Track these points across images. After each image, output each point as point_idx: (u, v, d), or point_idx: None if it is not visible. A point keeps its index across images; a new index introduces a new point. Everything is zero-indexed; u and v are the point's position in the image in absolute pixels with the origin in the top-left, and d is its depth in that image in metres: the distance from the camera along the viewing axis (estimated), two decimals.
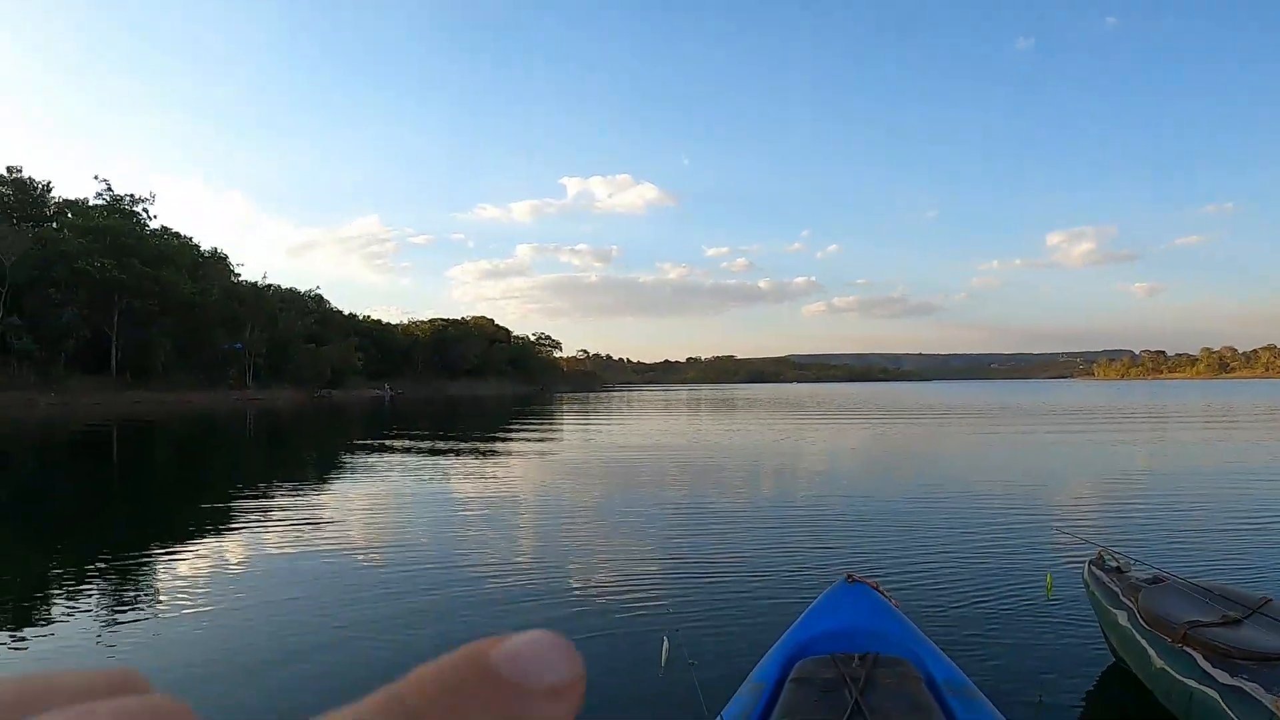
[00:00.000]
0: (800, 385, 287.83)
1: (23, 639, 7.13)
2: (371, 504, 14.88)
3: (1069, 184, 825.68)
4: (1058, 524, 11.52)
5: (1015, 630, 6.97)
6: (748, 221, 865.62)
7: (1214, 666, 4.50)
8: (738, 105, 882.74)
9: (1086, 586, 6.41)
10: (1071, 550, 8.78)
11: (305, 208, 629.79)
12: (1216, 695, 4.35)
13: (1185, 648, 4.78)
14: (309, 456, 27.66)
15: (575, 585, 9.02)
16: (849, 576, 5.00)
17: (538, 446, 29.52)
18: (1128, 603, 5.60)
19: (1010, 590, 8.20)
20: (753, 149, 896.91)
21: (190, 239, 77.69)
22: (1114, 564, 6.28)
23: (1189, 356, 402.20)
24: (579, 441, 32.02)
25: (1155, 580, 5.81)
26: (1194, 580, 5.63)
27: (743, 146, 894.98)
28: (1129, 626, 5.44)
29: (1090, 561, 6.52)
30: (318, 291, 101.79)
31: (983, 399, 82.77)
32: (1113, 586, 5.92)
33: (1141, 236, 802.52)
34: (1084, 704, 5.61)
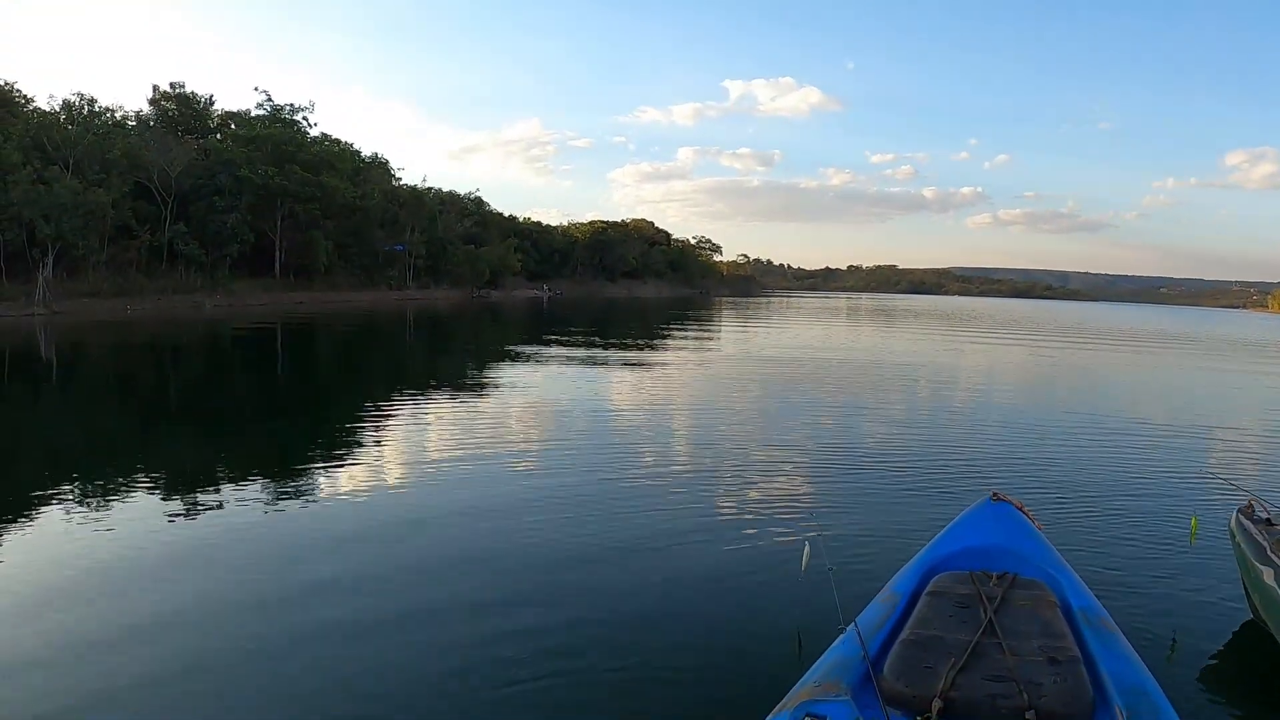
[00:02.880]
0: (962, 298, 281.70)
1: (192, 522, 7.63)
2: (527, 402, 14.96)
3: (1254, 100, 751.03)
4: (1211, 463, 11.42)
5: (1154, 568, 6.88)
6: (914, 128, 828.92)
7: None
8: (905, 8, 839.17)
9: (1232, 536, 6.03)
10: (1222, 493, 8.39)
11: (467, 112, 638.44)
12: None
13: None
14: (468, 353, 28.42)
15: (725, 485, 9.27)
16: (994, 495, 4.99)
17: (695, 348, 30.24)
18: (1275, 559, 5.21)
19: (1155, 527, 8.14)
20: (920, 54, 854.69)
21: (350, 145, 78.45)
22: (1264, 515, 5.86)
23: None
24: (733, 347, 32.20)
25: None
26: None
27: (910, 51, 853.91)
28: (1275, 586, 5.08)
29: (1239, 510, 6.10)
30: (477, 194, 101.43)
31: (1150, 323, 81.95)
32: (1260, 540, 5.51)
33: None
34: (1217, 660, 5.38)
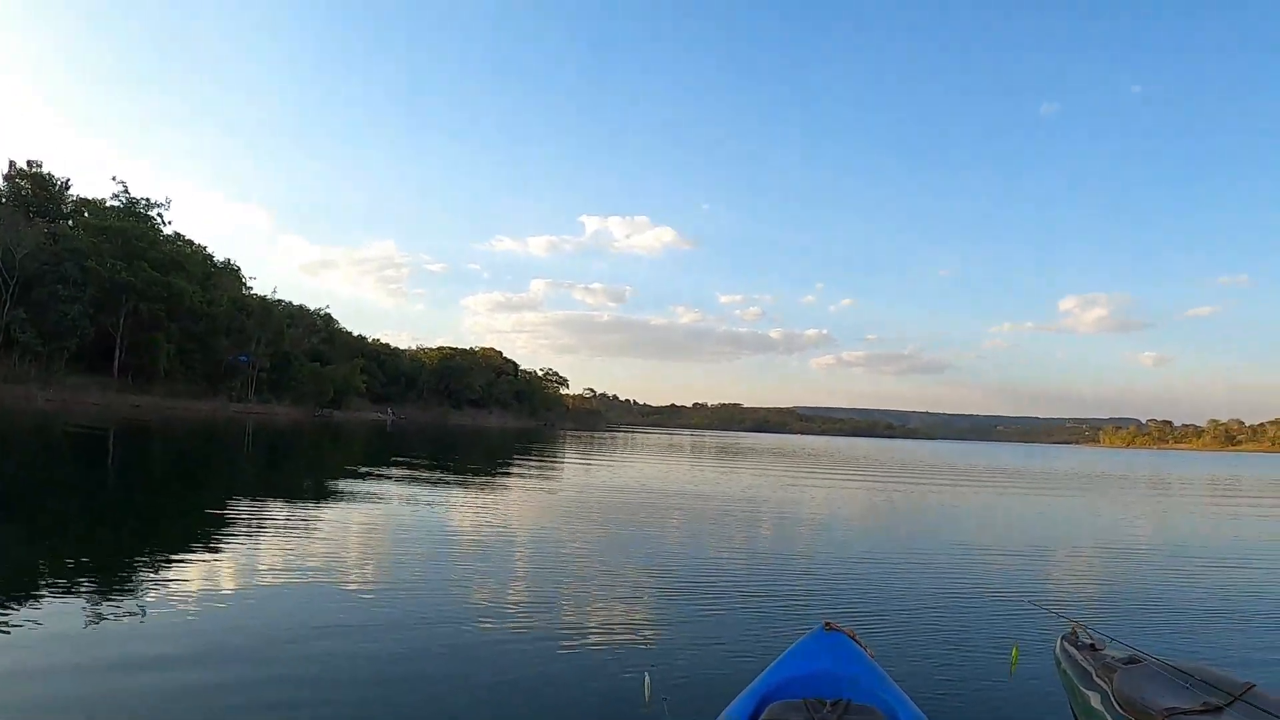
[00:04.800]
0: (804, 437, 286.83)
1: (6, 631, 7.12)
2: (359, 531, 14.61)
3: (1086, 249, 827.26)
4: (1037, 590, 11.68)
5: (985, 693, 6.89)
6: (763, 271, 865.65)
7: None
8: (761, 156, 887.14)
9: (1057, 663, 6.06)
10: (1047, 621, 8.40)
11: (324, 226, 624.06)
12: None
13: None
14: (305, 475, 27.33)
15: (563, 615, 9.17)
16: (827, 624, 5.04)
17: (536, 482, 29.34)
18: (1101, 684, 5.23)
19: (984, 653, 8.15)
20: (773, 200, 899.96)
21: (203, 248, 78.01)
22: (1088, 641, 5.92)
23: (1195, 427, 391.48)
24: (577, 479, 31.88)
25: (1131, 660, 5.41)
26: (1173, 662, 5.23)
27: (763, 197, 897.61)
28: (1102, 710, 5.09)
29: (1062, 636, 6.15)
30: (327, 310, 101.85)
31: (984, 460, 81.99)
32: (1086, 665, 5.56)
33: (1155, 305, 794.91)
34: None
